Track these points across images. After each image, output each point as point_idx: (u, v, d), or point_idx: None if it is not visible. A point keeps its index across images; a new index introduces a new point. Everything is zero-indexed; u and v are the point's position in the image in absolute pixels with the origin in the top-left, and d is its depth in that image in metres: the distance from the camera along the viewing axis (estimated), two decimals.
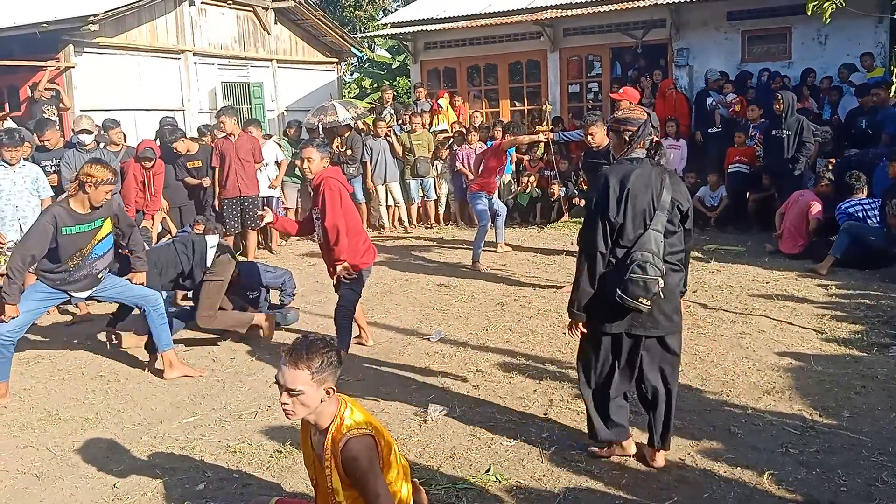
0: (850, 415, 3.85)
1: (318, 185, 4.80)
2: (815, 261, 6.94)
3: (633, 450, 3.52)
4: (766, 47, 11.07)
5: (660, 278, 3.11)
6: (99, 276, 4.72)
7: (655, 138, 3.34)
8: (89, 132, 7.13)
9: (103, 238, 4.64)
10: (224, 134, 8.36)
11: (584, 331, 3.36)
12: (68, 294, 4.65)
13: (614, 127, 3.37)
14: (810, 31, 10.45)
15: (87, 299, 4.87)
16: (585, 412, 3.55)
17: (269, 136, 9.95)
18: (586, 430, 3.59)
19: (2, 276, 5.90)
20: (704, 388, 4.31)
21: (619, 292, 3.12)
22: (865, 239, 6.83)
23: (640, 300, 3.11)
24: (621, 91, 7.10)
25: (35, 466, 3.77)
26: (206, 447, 3.86)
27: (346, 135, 10.10)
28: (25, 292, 4.50)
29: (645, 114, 3.36)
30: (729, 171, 9.26)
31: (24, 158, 6.35)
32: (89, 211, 4.51)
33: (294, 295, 6.31)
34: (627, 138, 3.29)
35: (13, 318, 4.44)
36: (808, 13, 5.76)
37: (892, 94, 7.39)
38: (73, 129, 7.54)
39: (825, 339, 5.02)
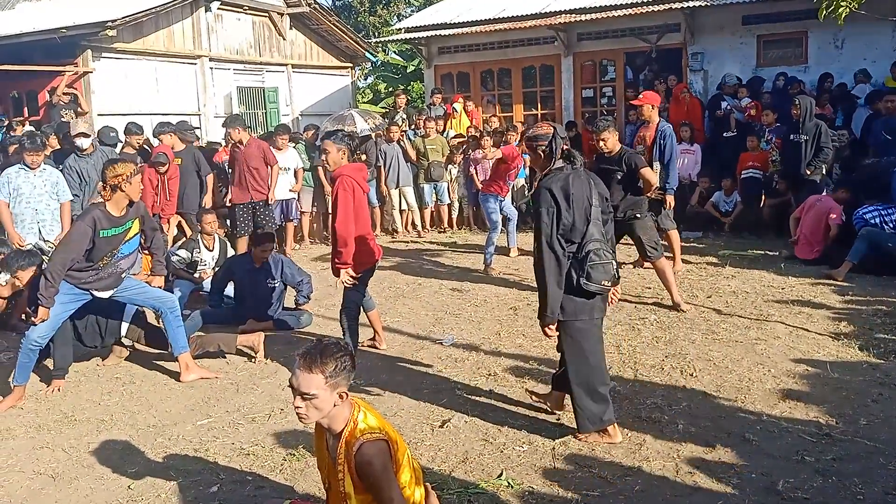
0: (867, 422, 3.81)
1: (335, 181, 4.82)
2: (832, 266, 6.88)
3: (619, 437, 3.74)
4: (782, 52, 10.98)
5: (613, 261, 3.61)
6: (122, 275, 4.79)
7: (565, 147, 3.71)
8: (86, 135, 7.08)
9: (131, 238, 4.71)
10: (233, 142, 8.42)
11: (555, 331, 3.68)
12: (91, 294, 4.71)
13: (529, 145, 3.76)
14: (827, 36, 10.37)
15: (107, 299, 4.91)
16: (573, 408, 3.74)
17: (297, 141, 10.01)
18: (576, 427, 3.77)
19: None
20: (719, 394, 4.28)
21: (584, 280, 3.55)
22: (883, 245, 6.77)
23: (602, 283, 3.57)
24: (641, 96, 7.06)
25: (51, 467, 3.81)
26: (220, 449, 3.88)
27: (368, 142, 10.23)
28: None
29: (552, 128, 3.75)
30: (742, 176, 9.20)
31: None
32: (123, 213, 4.59)
33: (309, 298, 6.35)
34: (542, 153, 3.70)
35: (44, 321, 4.50)
36: (820, 19, 5.72)
37: None
38: (69, 134, 7.49)
39: (842, 346, 4.97)
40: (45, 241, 6.34)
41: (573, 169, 3.65)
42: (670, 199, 6.77)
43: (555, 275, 3.53)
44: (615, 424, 3.74)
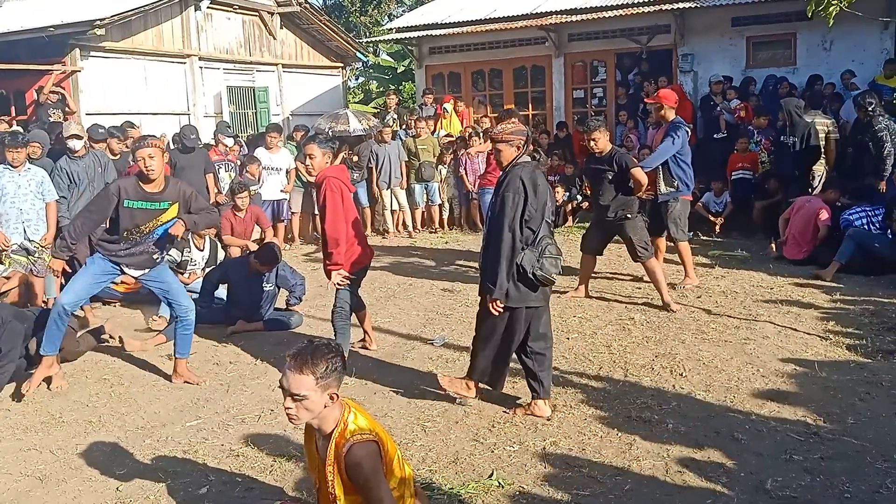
0: (855, 421, 3.84)
1: (321, 184, 4.78)
2: (820, 267, 6.92)
3: (548, 411, 4.09)
4: (771, 53, 11.05)
5: (560, 256, 3.90)
6: (154, 256, 4.72)
7: (532, 146, 4.00)
8: (79, 137, 7.01)
9: (167, 221, 4.59)
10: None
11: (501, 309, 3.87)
12: (121, 269, 4.66)
13: (506, 139, 3.88)
14: (815, 37, 10.44)
15: (136, 280, 4.95)
16: (474, 356, 4.13)
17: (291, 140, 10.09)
18: (469, 374, 4.16)
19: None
20: (708, 393, 4.30)
21: (536, 270, 3.78)
22: (870, 246, 6.82)
23: (551, 275, 3.82)
24: (656, 94, 6.87)
25: (38, 469, 3.78)
26: (209, 451, 3.87)
27: (362, 144, 10.25)
28: (83, 267, 4.65)
29: (524, 126, 4.00)
30: (733, 177, 9.24)
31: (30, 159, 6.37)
32: (160, 189, 4.48)
33: (301, 299, 6.34)
34: (518, 147, 3.88)
35: (55, 272, 4.60)
36: (809, 16, 5.74)
37: None
38: (61, 136, 7.43)
39: (829, 346, 5.01)
40: (30, 240, 6.27)
41: (537, 164, 3.94)
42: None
43: (509, 256, 3.75)
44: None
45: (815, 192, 8.02)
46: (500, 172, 4.00)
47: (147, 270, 4.74)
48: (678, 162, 6.39)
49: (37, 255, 6.29)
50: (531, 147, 3.96)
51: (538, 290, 3.90)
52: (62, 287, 6.93)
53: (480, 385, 4.24)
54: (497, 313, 3.90)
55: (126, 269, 4.68)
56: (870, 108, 7.40)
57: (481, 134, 10.15)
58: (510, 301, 3.87)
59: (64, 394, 4.81)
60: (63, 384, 4.81)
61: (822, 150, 8.26)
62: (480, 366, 4.13)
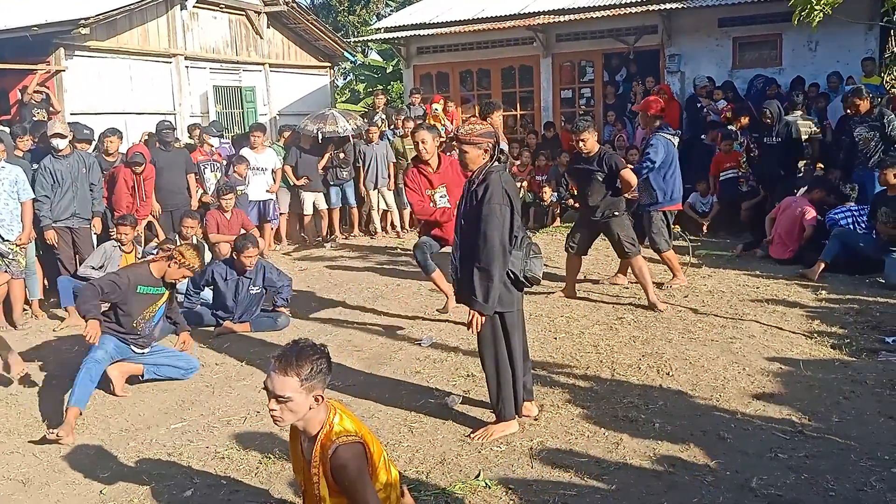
0: (839, 420, 3.86)
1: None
2: (806, 266, 6.97)
3: (535, 411, 4.04)
4: (758, 54, 11.12)
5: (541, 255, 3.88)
6: (154, 338, 4.93)
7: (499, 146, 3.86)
8: (63, 136, 6.92)
9: (162, 304, 4.84)
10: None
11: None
12: (132, 349, 4.78)
13: (474, 141, 3.71)
14: (801, 38, 10.51)
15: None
16: (497, 397, 3.82)
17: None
18: (498, 416, 3.86)
19: None
20: (694, 392, 4.31)
21: (527, 272, 3.73)
22: (855, 245, 6.87)
23: (538, 274, 3.80)
24: (643, 101, 6.92)
25: (21, 472, 3.74)
26: (194, 453, 3.84)
27: (348, 144, 10.22)
28: (102, 340, 4.55)
29: (492, 128, 3.86)
30: (722, 178, 9.27)
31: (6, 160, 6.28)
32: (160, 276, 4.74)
33: (288, 301, 6.31)
34: (486, 150, 3.71)
35: (93, 335, 4.44)
36: (794, 24, 5.81)
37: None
38: (46, 133, 7.33)
39: (815, 344, 5.03)
40: (2, 240, 6.16)
41: (505, 165, 3.81)
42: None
43: (502, 269, 3.62)
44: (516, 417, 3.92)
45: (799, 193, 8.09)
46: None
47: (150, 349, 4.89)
48: (660, 172, 6.41)
49: (10, 256, 6.17)
50: (500, 150, 3.81)
51: (522, 291, 3.86)
52: (45, 288, 6.92)
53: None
54: (479, 327, 3.69)
55: (135, 349, 4.80)
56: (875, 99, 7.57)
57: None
58: (503, 306, 3.73)
59: (48, 395, 4.76)
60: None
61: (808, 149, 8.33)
62: (506, 395, 3.83)
